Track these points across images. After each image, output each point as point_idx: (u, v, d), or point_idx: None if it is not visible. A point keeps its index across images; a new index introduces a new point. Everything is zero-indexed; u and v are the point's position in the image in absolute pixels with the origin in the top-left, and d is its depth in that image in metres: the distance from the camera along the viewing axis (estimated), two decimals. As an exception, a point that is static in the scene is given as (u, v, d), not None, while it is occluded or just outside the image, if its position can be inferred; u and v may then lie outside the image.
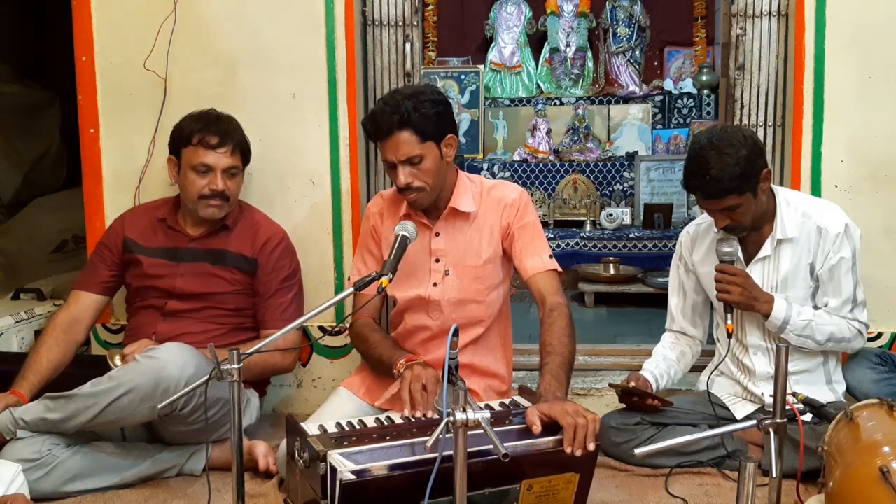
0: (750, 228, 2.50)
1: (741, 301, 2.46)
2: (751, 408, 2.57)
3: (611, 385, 2.70)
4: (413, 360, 2.29)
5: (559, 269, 2.37)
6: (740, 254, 2.53)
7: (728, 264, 2.49)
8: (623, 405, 2.62)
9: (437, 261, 2.40)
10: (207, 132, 2.62)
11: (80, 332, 2.68)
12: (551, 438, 1.92)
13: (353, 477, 1.75)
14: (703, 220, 2.67)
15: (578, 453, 1.87)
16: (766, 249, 2.52)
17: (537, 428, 1.92)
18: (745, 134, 2.43)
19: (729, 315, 2.48)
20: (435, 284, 2.39)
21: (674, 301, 2.76)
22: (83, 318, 2.68)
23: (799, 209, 2.52)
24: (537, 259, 2.35)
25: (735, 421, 2.51)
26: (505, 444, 1.61)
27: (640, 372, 2.62)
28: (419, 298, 2.40)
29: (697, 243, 2.68)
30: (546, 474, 1.92)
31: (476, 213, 2.40)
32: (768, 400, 2.42)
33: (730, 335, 2.48)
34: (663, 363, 2.65)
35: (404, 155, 2.26)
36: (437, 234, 2.40)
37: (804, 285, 2.52)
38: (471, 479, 1.64)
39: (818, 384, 2.56)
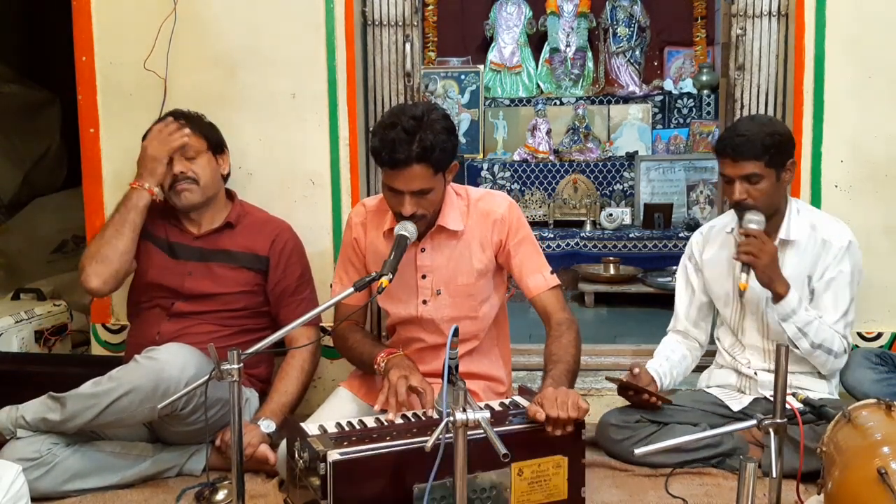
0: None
1: (765, 270, 2.39)
2: (747, 400, 2.57)
3: (608, 378, 2.71)
4: (392, 353, 2.28)
5: (560, 283, 2.38)
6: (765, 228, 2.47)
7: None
8: (623, 400, 2.63)
9: (424, 277, 2.37)
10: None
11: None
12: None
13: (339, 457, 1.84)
14: (716, 222, 2.71)
15: (562, 415, 1.96)
16: (771, 249, 2.52)
17: (542, 415, 1.99)
18: (783, 125, 2.57)
19: (745, 274, 2.41)
20: (425, 302, 2.38)
21: (680, 301, 2.76)
22: None
23: (808, 220, 2.55)
24: (539, 277, 2.35)
25: (735, 419, 2.51)
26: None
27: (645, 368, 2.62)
28: (411, 318, 2.40)
29: (709, 243, 2.70)
30: (532, 456, 1.99)
31: (463, 230, 2.36)
32: (763, 385, 2.45)
33: (742, 293, 2.43)
34: (666, 363, 2.65)
35: (417, 187, 2.20)
36: (423, 250, 2.37)
37: (801, 293, 2.52)
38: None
39: (818, 384, 2.56)
